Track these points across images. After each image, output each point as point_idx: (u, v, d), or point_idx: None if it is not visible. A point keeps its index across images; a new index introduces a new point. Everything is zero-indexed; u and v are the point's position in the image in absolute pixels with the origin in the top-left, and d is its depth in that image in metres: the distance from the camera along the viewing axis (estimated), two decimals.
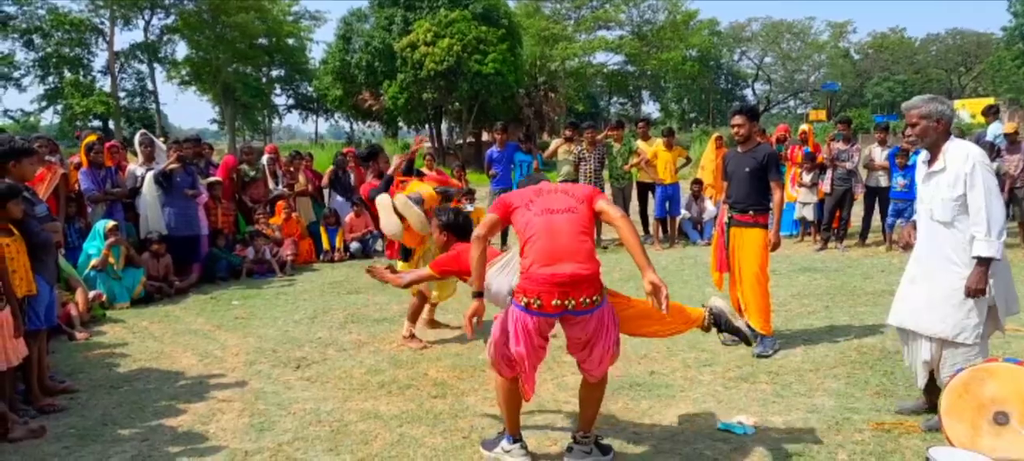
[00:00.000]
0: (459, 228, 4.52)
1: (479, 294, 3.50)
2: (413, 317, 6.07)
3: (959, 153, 3.71)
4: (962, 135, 10.65)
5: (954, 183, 3.68)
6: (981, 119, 11.03)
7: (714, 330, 3.89)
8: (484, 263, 3.53)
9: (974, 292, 3.62)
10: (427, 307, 6.36)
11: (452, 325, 6.47)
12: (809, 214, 10.53)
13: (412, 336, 6.01)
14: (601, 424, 4.12)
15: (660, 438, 3.93)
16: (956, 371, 3.61)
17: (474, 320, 3.46)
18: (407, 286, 4.67)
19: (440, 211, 4.71)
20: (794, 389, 4.63)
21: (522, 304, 3.36)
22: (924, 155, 3.99)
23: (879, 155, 9.99)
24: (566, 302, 3.31)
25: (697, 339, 5.75)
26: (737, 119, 5.57)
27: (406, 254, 6.05)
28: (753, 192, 5.47)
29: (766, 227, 5.46)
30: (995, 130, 10.17)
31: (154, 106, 46.87)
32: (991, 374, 3.49)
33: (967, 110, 44.85)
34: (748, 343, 4.00)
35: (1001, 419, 3.38)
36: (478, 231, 3.50)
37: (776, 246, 5.52)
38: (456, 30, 30.49)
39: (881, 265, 8.73)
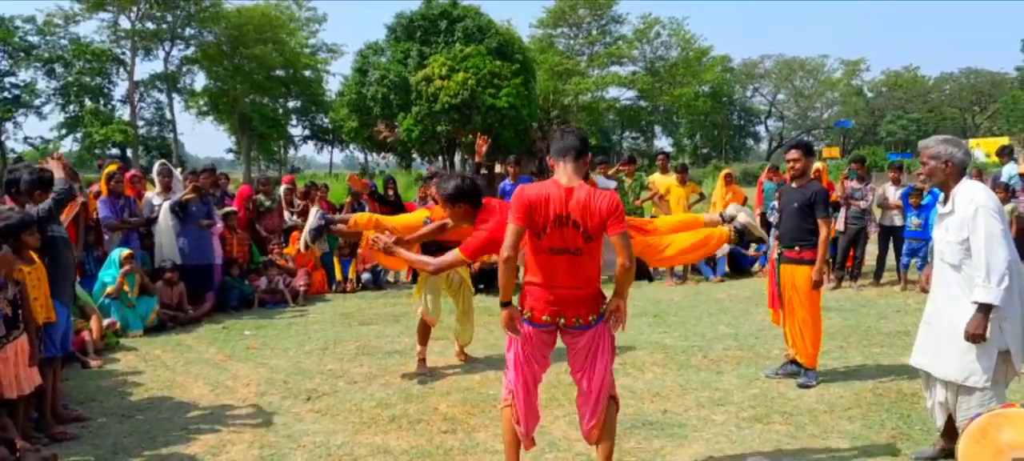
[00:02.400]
0: (470, 194, 4.21)
1: (507, 303, 3.46)
2: (424, 340, 6.13)
3: (966, 197, 3.71)
4: (979, 174, 10.63)
5: (960, 226, 3.68)
6: (996, 159, 10.97)
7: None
8: (514, 280, 3.47)
9: (972, 337, 3.59)
10: (457, 346, 6.46)
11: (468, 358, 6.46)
12: None
13: (422, 361, 6.09)
14: None
15: None
16: (972, 416, 3.57)
17: (512, 324, 3.49)
18: (436, 272, 4.64)
19: (445, 179, 4.36)
20: (808, 431, 4.58)
21: (525, 315, 3.51)
22: (942, 196, 3.98)
23: (893, 194, 9.95)
24: (557, 319, 3.47)
25: (711, 378, 5.72)
26: (793, 153, 5.73)
27: (415, 276, 6.11)
28: (800, 228, 5.55)
29: (812, 263, 5.51)
30: (1010, 171, 10.13)
31: (171, 135, 47.48)
32: (1008, 420, 3.44)
33: (982, 150, 44.66)
34: (762, 242, 4.34)
35: None
36: (505, 252, 3.37)
37: (818, 284, 5.54)
38: (471, 64, 30.88)
39: (896, 305, 8.65)
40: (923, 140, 3.97)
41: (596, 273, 3.49)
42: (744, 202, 12.26)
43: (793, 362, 5.71)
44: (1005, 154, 10.97)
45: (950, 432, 3.91)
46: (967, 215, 3.64)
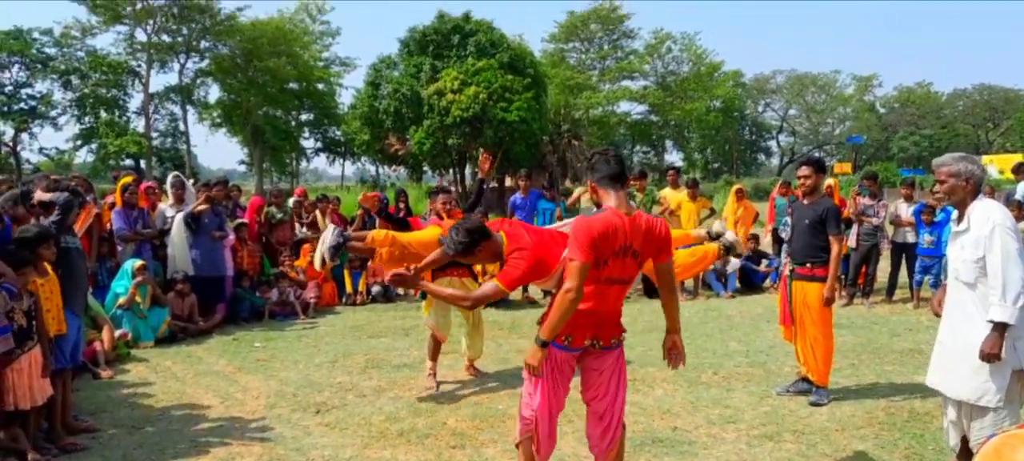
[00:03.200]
0: (480, 231, 3.72)
1: (546, 343, 3.32)
2: (434, 355, 6.14)
3: (982, 215, 3.65)
4: (992, 191, 10.54)
5: (976, 244, 3.63)
6: (1010, 176, 10.88)
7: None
8: (567, 318, 3.28)
9: (987, 356, 3.54)
10: (467, 360, 6.46)
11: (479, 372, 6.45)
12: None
13: (432, 374, 6.10)
14: None
15: None
16: (987, 437, 3.52)
17: (541, 367, 3.36)
18: (473, 307, 4.55)
19: (450, 239, 3.76)
20: (820, 449, 4.54)
21: (564, 342, 3.42)
22: (955, 213, 3.94)
23: (905, 211, 9.89)
24: (595, 342, 3.45)
25: (721, 395, 5.69)
26: (804, 170, 5.73)
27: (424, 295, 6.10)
28: (811, 245, 5.56)
29: (823, 280, 5.50)
30: None
31: (185, 146, 47.84)
32: (1022, 441, 3.39)
33: (995, 166, 44.35)
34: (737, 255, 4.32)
35: None
36: (573, 292, 3.19)
37: (830, 301, 5.53)
38: (483, 78, 31.00)
39: (908, 323, 8.58)
40: (938, 158, 3.92)
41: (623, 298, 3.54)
42: (755, 218, 12.26)
43: (804, 380, 5.67)
44: (1021, 171, 10.88)
45: (965, 453, 3.86)
46: (983, 233, 3.59)
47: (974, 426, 3.69)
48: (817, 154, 66.71)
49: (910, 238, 9.79)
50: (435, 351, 6.14)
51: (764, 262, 11.47)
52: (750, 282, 11.25)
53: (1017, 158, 23.15)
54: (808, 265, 5.56)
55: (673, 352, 3.59)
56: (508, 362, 6.69)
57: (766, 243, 11.95)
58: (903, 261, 10.04)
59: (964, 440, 3.86)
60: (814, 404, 5.40)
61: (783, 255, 11.18)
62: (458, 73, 31.43)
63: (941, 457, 4.35)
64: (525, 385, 3.53)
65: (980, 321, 3.62)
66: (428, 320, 6.10)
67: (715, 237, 4.73)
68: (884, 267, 10.39)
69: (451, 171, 36.13)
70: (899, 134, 62.27)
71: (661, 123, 54.29)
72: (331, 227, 5.59)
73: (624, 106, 52.20)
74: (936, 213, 9.39)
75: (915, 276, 9.68)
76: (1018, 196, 9.66)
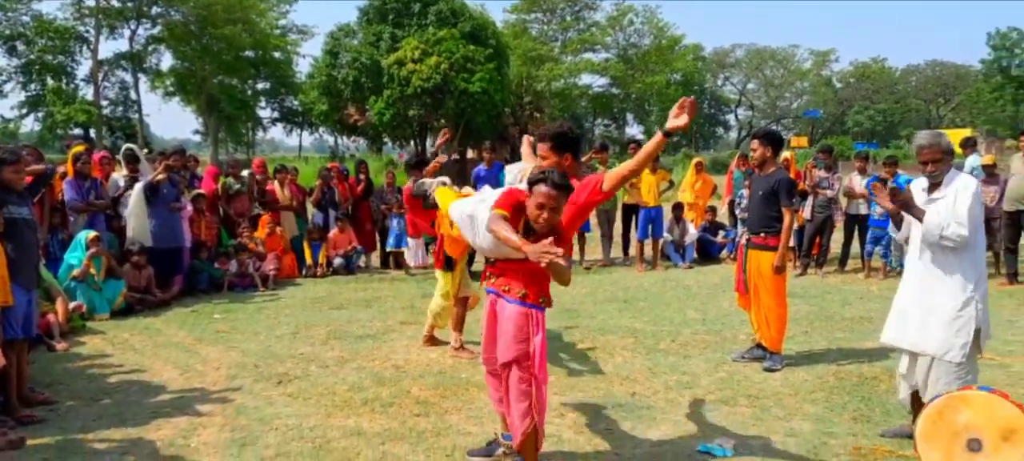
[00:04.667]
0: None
1: None
2: (459, 325, 6.16)
3: (961, 182, 3.97)
4: None
5: (950, 208, 3.90)
6: (959, 151, 11.22)
7: None
8: None
9: (899, 203, 3.98)
10: (427, 326, 6.40)
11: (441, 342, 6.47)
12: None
13: (462, 346, 6.10)
14: (582, 444, 4.16)
15: (641, 458, 3.97)
16: (942, 390, 3.72)
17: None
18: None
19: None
20: (773, 413, 4.69)
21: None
22: (923, 183, 4.13)
23: (858, 183, 10.14)
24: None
25: (679, 362, 5.83)
26: (754, 143, 5.95)
27: (449, 264, 6.02)
28: (766, 216, 5.73)
29: (776, 249, 5.66)
30: (973, 162, 10.34)
31: (137, 116, 46.56)
32: (966, 402, 3.56)
33: (912, 141, 45.42)
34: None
35: (974, 446, 3.44)
36: None
37: (780, 269, 5.67)
38: (444, 48, 30.70)
39: (859, 292, 8.84)
40: (920, 139, 4.13)
41: None
42: (713, 190, 12.44)
43: (759, 346, 5.83)
44: (969, 146, 11.20)
45: (916, 404, 4.06)
46: (960, 195, 3.90)
47: (931, 379, 3.92)
48: (773, 128, 67.74)
49: (863, 210, 10.05)
50: (460, 320, 6.18)
51: (721, 233, 11.67)
52: (707, 253, 11.45)
53: (966, 132, 23.80)
54: (762, 235, 5.71)
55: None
56: (469, 333, 6.72)
57: (722, 215, 12.15)
58: (855, 232, 10.31)
59: (914, 395, 4.05)
60: (768, 370, 5.56)
61: (739, 226, 11.41)
62: (419, 43, 31.06)
63: (887, 418, 4.53)
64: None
65: (951, 281, 3.90)
66: (462, 292, 6.14)
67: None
68: (837, 238, 10.67)
69: (412, 142, 35.83)
70: (854, 108, 63.53)
71: (622, 96, 54.46)
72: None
73: (586, 78, 52.24)
74: (887, 185, 9.63)
75: (866, 247, 9.95)
76: (966, 169, 9.96)
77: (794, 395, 5.02)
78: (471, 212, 3.69)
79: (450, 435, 4.30)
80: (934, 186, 4.06)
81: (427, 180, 4.53)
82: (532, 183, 3.38)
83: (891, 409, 4.68)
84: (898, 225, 4.27)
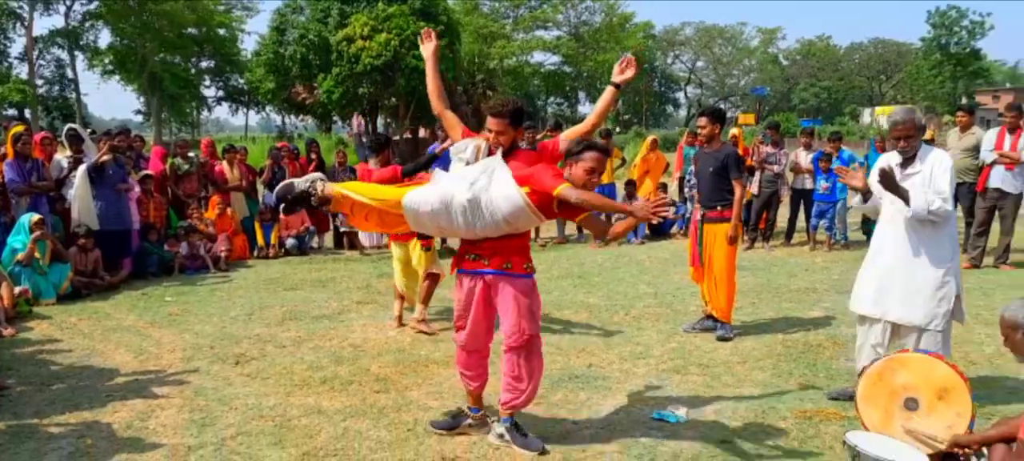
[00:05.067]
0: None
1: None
2: (426, 299, 6.18)
3: (936, 156, 4.15)
4: (883, 141, 11.24)
5: (927, 182, 4.06)
6: None
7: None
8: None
9: (886, 187, 4.03)
10: (396, 305, 6.42)
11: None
12: None
13: (424, 321, 6.13)
14: (541, 415, 4.26)
15: (598, 427, 4.09)
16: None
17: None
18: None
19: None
20: (723, 380, 4.86)
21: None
22: (895, 158, 4.23)
23: (804, 159, 10.43)
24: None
25: (633, 334, 5.97)
26: (702, 120, 6.07)
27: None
28: (718, 189, 5.88)
29: (730, 221, 5.83)
30: None
31: (74, 95, 45.03)
32: (903, 364, 3.76)
33: (887, 117, 46.82)
34: None
35: (911, 405, 3.64)
36: None
37: (734, 240, 5.86)
38: (394, 25, 30.33)
39: (805, 264, 9.13)
40: (896, 115, 4.25)
41: None
42: (665, 168, 12.64)
43: (709, 318, 6.01)
44: None
45: None
46: (937, 171, 4.06)
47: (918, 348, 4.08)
48: (720, 105, 68.81)
49: (808, 185, 10.35)
50: (428, 295, 6.21)
51: (672, 209, 11.89)
52: (658, 229, 11.66)
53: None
54: (718, 208, 5.87)
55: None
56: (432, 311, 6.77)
57: (673, 191, 12.37)
58: (801, 206, 10.62)
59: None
60: (721, 339, 5.74)
61: (689, 202, 11.63)
62: (368, 19, 30.62)
63: (831, 382, 4.73)
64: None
65: (932, 253, 4.08)
66: (431, 267, 6.18)
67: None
68: (784, 213, 10.98)
69: (363, 120, 35.42)
70: (800, 85, 64.91)
71: (574, 74, 54.72)
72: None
73: (538, 56, 52.29)
74: (833, 160, 9.95)
75: (812, 220, 10.26)
76: None
77: (743, 363, 5.20)
78: (466, 198, 3.48)
79: (411, 410, 4.35)
80: (907, 161, 4.18)
81: (298, 180, 3.67)
82: (576, 152, 3.63)
83: (835, 374, 4.90)
84: (865, 199, 4.33)
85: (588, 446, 3.83)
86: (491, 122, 3.70)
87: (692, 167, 11.14)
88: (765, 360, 5.26)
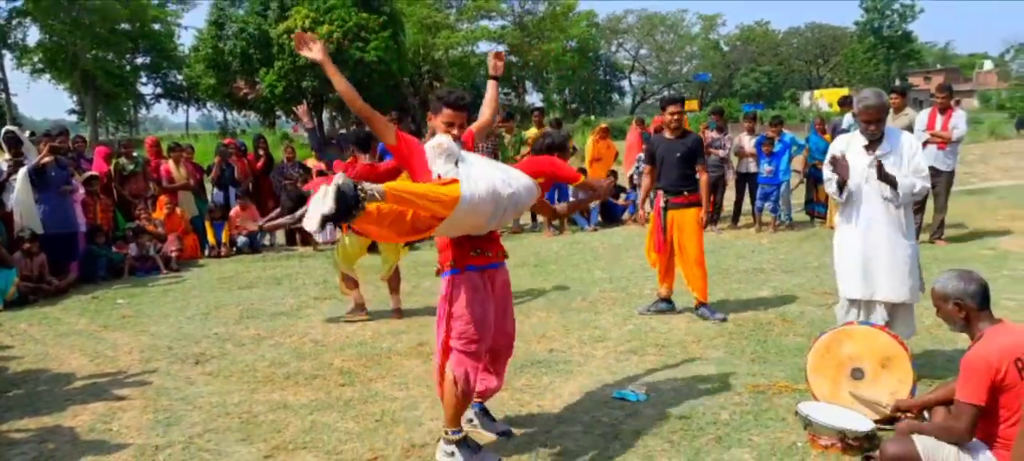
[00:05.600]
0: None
1: None
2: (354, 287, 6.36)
3: (902, 137, 4.34)
4: (822, 123, 11.64)
5: (903, 160, 4.24)
6: (837, 108, 12.04)
7: None
8: None
9: (881, 178, 4.19)
10: (353, 295, 6.47)
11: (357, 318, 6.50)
12: None
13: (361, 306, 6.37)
14: (506, 399, 4.36)
15: (562, 408, 4.21)
16: (909, 333, 4.23)
17: None
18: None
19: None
20: (679, 359, 5.03)
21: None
22: (861, 140, 4.36)
23: (748, 143, 10.73)
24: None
25: (590, 318, 6.12)
26: (673, 108, 6.11)
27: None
28: (685, 176, 6.00)
29: (699, 205, 6.00)
30: (850, 119, 11.12)
31: (3, 96, 43.21)
32: (849, 336, 3.98)
33: (825, 100, 48.26)
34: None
35: (857, 374, 3.86)
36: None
37: (706, 223, 6.09)
38: (336, 16, 29.99)
39: (752, 246, 9.42)
40: (868, 99, 4.32)
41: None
42: (615, 157, 12.84)
43: (665, 300, 6.19)
44: (845, 104, 12.01)
45: None
46: (907, 150, 4.26)
47: (901, 323, 4.30)
48: (665, 92, 69.85)
49: (752, 168, 10.65)
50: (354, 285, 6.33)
51: (623, 196, 12.11)
52: (610, 215, 11.87)
53: (844, 92, 25.33)
54: (684, 194, 5.99)
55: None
56: (387, 304, 6.80)
57: (623, 178, 12.58)
58: (746, 189, 10.93)
59: None
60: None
61: (636, 191, 11.86)
62: (309, 10, 30.17)
63: (781, 357, 4.95)
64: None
65: (905, 231, 4.30)
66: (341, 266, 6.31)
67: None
68: (730, 196, 11.28)
69: (311, 112, 34.96)
70: (741, 71, 66.25)
71: (521, 64, 54.74)
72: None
73: (483, 46, 52.08)
74: (775, 144, 10.27)
75: (757, 203, 10.56)
76: (844, 126, 10.70)
77: (697, 342, 5.39)
78: (509, 191, 3.34)
79: (378, 401, 4.41)
80: (873, 142, 4.32)
81: (341, 185, 2.91)
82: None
83: (784, 350, 5.12)
84: (841, 190, 4.36)
85: (553, 427, 3.95)
86: (451, 114, 3.49)
87: (640, 155, 11.38)
88: (718, 339, 5.45)
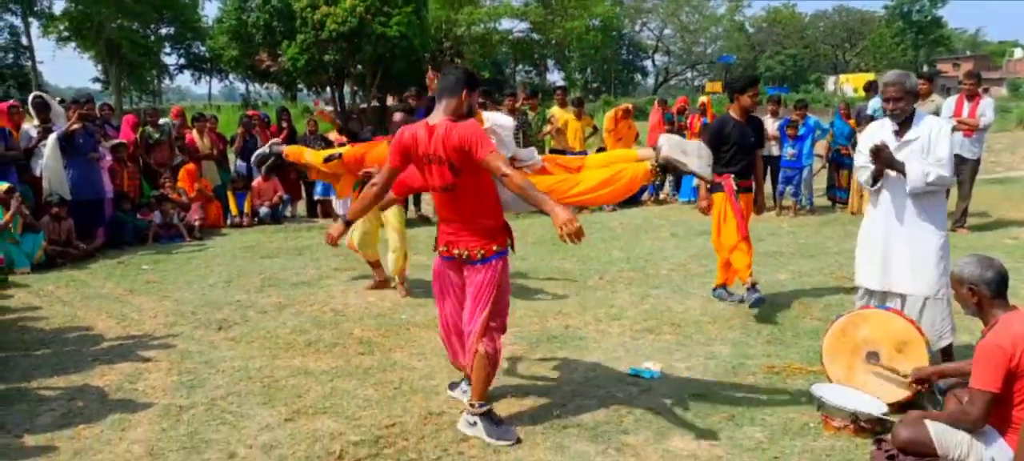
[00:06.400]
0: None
1: (348, 222, 3.92)
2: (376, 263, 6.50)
3: (932, 122, 4.14)
4: (847, 108, 11.52)
5: (927, 149, 4.06)
6: (862, 93, 11.92)
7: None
8: (369, 208, 3.92)
9: (882, 162, 4.08)
10: (377, 270, 6.58)
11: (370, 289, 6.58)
12: None
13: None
14: (524, 372, 4.43)
15: (576, 384, 4.26)
16: (948, 328, 4.12)
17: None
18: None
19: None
20: (695, 339, 5.06)
21: (440, 250, 3.71)
22: (890, 125, 4.20)
23: (771, 126, 10.63)
24: (453, 252, 3.60)
25: (607, 296, 6.16)
26: (756, 89, 5.71)
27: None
28: (751, 162, 5.77)
29: (750, 191, 5.84)
30: (875, 104, 10.98)
31: (30, 63, 43.71)
32: (865, 319, 3.99)
33: (851, 84, 47.63)
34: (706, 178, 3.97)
35: (872, 358, 3.87)
36: (374, 186, 3.67)
37: (763, 209, 6.12)
38: None
39: (771, 229, 9.39)
40: (887, 76, 4.24)
41: (483, 208, 3.53)
42: (636, 138, 12.80)
43: (754, 287, 5.57)
44: (871, 89, 11.88)
45: None
46: (936, 139, 4.05)
47: (926, 321, 4.07)
48: (688, 73, 69.22)
49: (775, 151, 10.58)
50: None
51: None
52: (631, 196, 11.83)
53: (870, 76, 25.01)
54: (750, 179, 5.80)
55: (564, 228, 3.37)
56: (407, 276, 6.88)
57: None
58: (768, 173, 10.85)
59: None
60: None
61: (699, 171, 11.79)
62: None
63: (797, 339, 4.97)
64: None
65: (932, 222, 4.11)
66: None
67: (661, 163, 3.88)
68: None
69: (328, 89, 35.01)
70: (766, 53, 65.46)
71: (543, 41, 54.38)
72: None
73: (506, 23, 51.81)
74: (799, 128, 10.20)
75: (779, 186, 10.51)
76: (869, 111, 10.60)
77: (714, 323, 5.41)
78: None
79: (396, 370, 4.49)
80: (903, 127, 4.14)
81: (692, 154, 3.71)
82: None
83: (800, 332, 5.14)
84: (875, 181, 4.24)
85: (568, 401, 4.01)
86: (479, 96, 3.73)
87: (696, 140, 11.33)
88: (734, 319, 5.47)
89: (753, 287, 5.48)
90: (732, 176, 5.56)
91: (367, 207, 3.86)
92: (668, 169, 3.85)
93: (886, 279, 4.23)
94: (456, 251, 3.58)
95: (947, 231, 4.21)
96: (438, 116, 3.45)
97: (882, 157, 4.09)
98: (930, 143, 4.08)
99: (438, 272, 3.75)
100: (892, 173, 4.16)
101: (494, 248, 3.56)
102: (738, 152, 5.64)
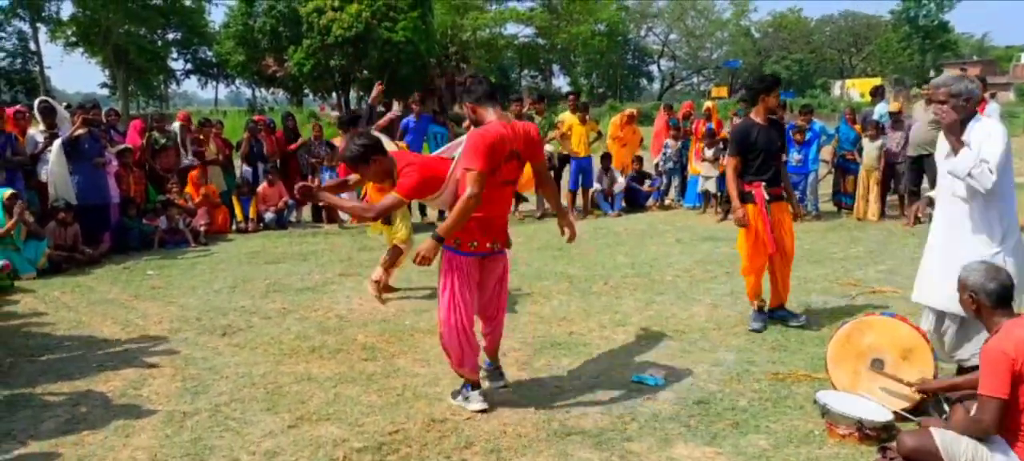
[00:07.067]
0: (375, 145, 3.93)
1: (440, 239, 3.73)
2: (390, 267, 6.34)
3: (982, 126, 3.73)
4: (853, 114, 11.50)
5: (979, 151, 3.67)
6: (868, 99, 11.89)
7: None
8: (467, 218, 3.71)
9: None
10: (383, 273, 6.51)
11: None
12: (711, 187, 11.11)
13: (382, 285, 6.26)
14: (528, 381, 4.42)
15: (580, 390, 4.25)
16: (974, 351, 3.71)
17: (431, 259, 3.77)
18: (376, 218, 4.98)
19: (346, 147, 4.17)
20: (699, 345, 5.04)
21: (471, 247, 3.83)
22: (945, 147, 3.87)
23: None
24: (493, 247, 3.93)
25: (611, 302, 6.15)
26: (778, 90, 5.46)
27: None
28: (776, 167, 5.39)
29: (782, 198, 5.48)
30: (881, 110, 10.98)
31: (37, 68, 43.95)
32: (870, 326, 3.97)
33: (857, 89, 47.51)
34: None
35: (877, 365, 3.85)
36: (474, 190, 3.57)
37: (800, 214, 5.91)
38: None
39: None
40: (938, 79, 3.98)
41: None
42: (641, 142, 12.80)
43: (780, 307, 5.51)
44: (877, 94, 11.86)
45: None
46: (986, 140, 3.65)
47: (948, 339, 3.88)
48: (693, 78, 69.15)
49: None
50: (393, 261, 6.30)
51: (647, 182, 12.07)
52: (635, 201, 11.84)
53: (876, 81, 24.95)
54: (780, 186, 5.44)
55: (567, 228, 4.29)
56: (411, 281, 6.89)
57: (648, 165, 12.54)
58: None
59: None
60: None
61: (664, 177, 11.81)
62: None
63: (802, 346, 4.95)
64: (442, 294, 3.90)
65: (975, 235, 3.75)
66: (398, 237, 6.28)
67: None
68: None
69: (334, 94, 35.15)
70: (772, 58, 65.30)
71: (548, 46, 54.50)
72: None
73: (511, 28, 51.97)
74: (805, 133, 10.18)
75: None
76: (875, 117, 10.58)
77: (718, 329, 5.39)
78: None
79: (400, 376, 4.48)
80: (954, 137, 3.78)
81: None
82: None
83: (805, 339, 5.11)
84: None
85: (571, 408, 3.99)
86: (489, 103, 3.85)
87: (670, 142, 11.35)
88: (739, 327, 5.45)
89: (760, 310, 5.40)
90: (763, 184, 5.28)
91: (466, 217, 3.66)
92: None
93: (927, 293, 3.97)
94: (489, 244, 3.87)
95: (1005, 247, 3.71)
96: (501, 117, 3.75)
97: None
98: (980, 147, 3.67)
99: (465, 269, 3.84)
100: (942, 177, 3.91)
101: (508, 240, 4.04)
102: (766, 159, 5.32)
